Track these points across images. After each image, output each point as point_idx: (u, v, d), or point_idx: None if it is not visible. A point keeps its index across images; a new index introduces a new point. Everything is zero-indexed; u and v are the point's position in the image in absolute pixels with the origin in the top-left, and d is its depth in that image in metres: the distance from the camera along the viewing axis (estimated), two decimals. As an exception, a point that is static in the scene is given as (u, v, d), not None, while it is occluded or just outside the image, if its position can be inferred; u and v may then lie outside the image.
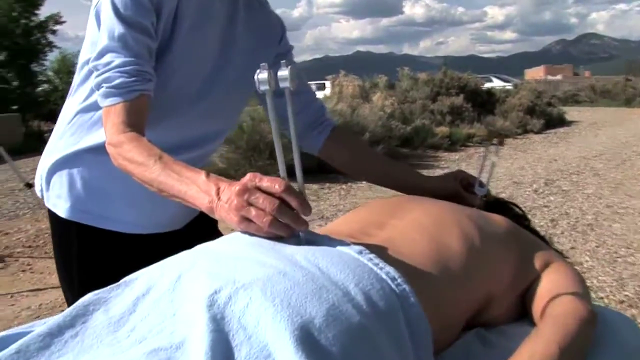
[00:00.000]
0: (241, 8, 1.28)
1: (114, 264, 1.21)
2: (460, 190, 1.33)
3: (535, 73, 58.25)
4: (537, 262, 1.04)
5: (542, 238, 1.29)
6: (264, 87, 0.80)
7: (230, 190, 0.82)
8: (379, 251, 0.84)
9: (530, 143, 11.22)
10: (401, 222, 0.99)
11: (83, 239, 1.27)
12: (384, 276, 0.75)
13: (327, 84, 11.54)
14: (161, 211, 1.29)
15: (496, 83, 23.70)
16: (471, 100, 13.26)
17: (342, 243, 0.82)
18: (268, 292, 0.66)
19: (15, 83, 26.21)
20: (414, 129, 9.90)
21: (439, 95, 13.06)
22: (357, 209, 1.15)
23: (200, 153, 1.35)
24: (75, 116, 1.25)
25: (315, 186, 6.58)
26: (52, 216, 1.30)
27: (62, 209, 1.26)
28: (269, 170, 6.80)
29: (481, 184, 1.32)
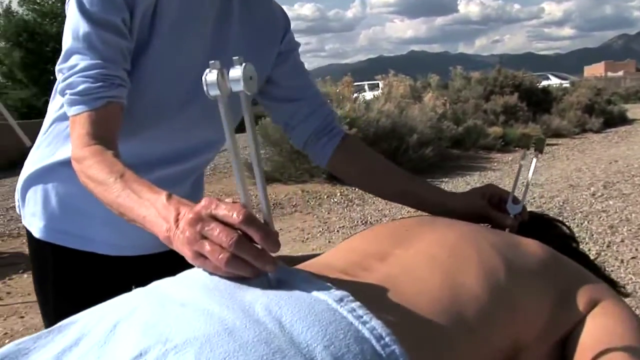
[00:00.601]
0: (236, 5, 1.14)
1: (92, 288, 1.12)
2: (488, 209, 1.13)
3: (595, 70, 56.41)
4: (582, 301, 0.86)
5: (593, 265, 1.10)
6: (213, 92, 0.64)
7: (185, 218, 0.68)
8: (372, 295, 0.69)
9: (589, 143, 10.77)
10: (407, 253, 0.83)
11: (58, 260, 1.17)
12: (366, 334, 0.60)
13: (381, 84, 11.40)
14: (142, 232, 1.17)
15: (553, 81, 23.03)
16: (526, 99, 12.87)
17: (321, 286, 0.66)
18: (203, 358, 0.52)
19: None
20: (466, 130, 9.65)
21: (493, 94, 12.71)
22: (364, 232, 0.99)
23: (190, 166, 1.24)
24: (51, 125, 1.15)
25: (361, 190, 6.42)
26: (28, 235, 1.20)
27: (36, 228, 1.16)
28: (315, 172, 6.69)
29: (515, 200, 1.13)
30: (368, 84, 18.21)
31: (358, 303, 0.64)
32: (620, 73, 43.29)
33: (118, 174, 0.83)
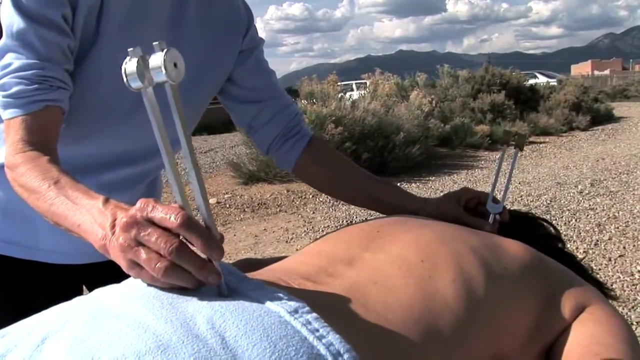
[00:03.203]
0: (192, 1, 1.05)
1: (39, 298, 1.04)
2: (464, 215, 1.06)
3: (582, 68, 56.73)
4: (567, 306, 0.79)
5: (580, 266, 1.03)
6: (135, 84, 0.56)
7: (119, 222, 0.59)
8: (334, 305, 0.61)
9: (576, 141, 10.77)
10: (377, 257, 0.75)
11: (4, 272, 1.08)
12: (322, 351, 0.52)
13: (368, 82, 11.37)
14: None
15: (541, 79, 23.11)
16: (513, 97, 12.85)
17: (274, 296, 0.58)
18: None
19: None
20: (453, 128, 9.61)
21: (480, 92, 12.67)
22: (333, 233, 0.91)
23: (146, 168, 1.15)
24: None
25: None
26: None
27: None
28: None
29: (495, 200, 1.06)
30: (356, 83, 18.21)
31: (314, 315, 0.56)
32: (607, 72, 43.57)
33: (52, 180, 0.75)
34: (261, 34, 1.23)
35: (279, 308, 0.56)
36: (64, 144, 0.97)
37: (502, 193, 1.09)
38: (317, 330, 0.54)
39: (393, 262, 0.73)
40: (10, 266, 1.07)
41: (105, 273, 1.05)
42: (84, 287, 1.20)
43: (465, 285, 0.71)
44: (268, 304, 0.57)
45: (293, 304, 0.57)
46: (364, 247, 0.78)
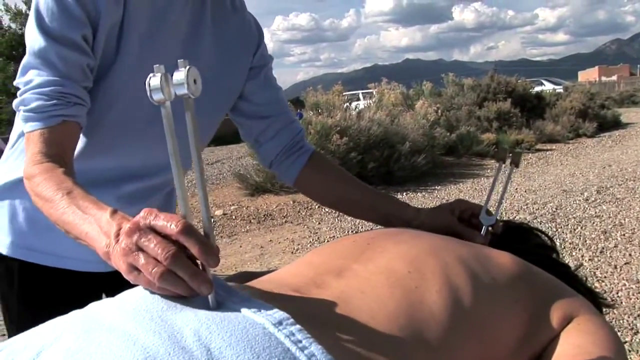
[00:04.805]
0: (208, 18, 1.11)
1: (60, 304, 1.06)
2: (457, 225, 1.09)
3: (589, 75, 56.56)
4: (556, 316, 0.80)
5: (574, 277, 1.04)
6: (157, 96, 0.61)
7: (123, 230, 0.64)
8: (319, 316, 0.63)
9: (583, 148, 10.74)
10: (365, 268, 0.77)
11: (25, 276, 1.13)
12: None
13: (374, 92, 11.43)
14: None
15: (548, 86, 23.07)
16: (520, 105, 12.85)
17: (260, 308, 0.61)
18: None
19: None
20: (459, 137, 9.61)
21: (486, 100, 12.68)
22: (325, 245, 0.93)
23: (160, 181, 1.20)
24: (18, 139, 1.12)
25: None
26: None
27: (2, 245, 1.12)
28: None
29: (488, 212, 1.09)
30: (362, 93, 18.26)
31: (298, 327, 0.58)
32: (614, 77, 43.44)
33: (65, 191, 0.80)
34: (268, 44, 1.28)
35: (264, 320, 0.58)
36: (85, 158, 1.03)
37: (495, 206, 1.11)
38: (300, 342, 0.56)
39: (381, 273, 0.75)
40: (33, 273, 1.12)
41: (126, 281, 1.09)
42: (104, 296, 1.23)
43: (452, 295, 0.73)
44: (253, 316, 0.59)
45: (278, 316, 0.59)
46: (354, 258, 0.80)
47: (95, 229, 0.71)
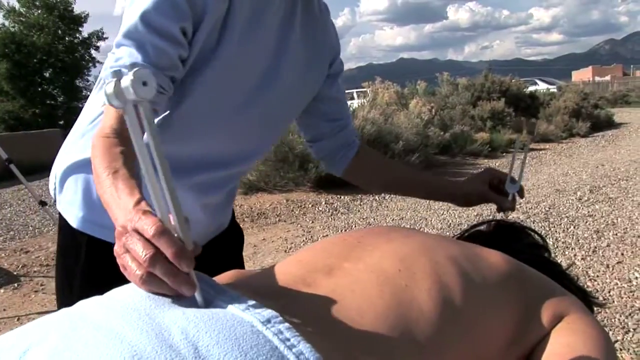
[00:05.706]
0: (298, 20, 1.16)
1: (122, 282, 1.07)
2: (488, 192, 1.27)
3: (582, 75, 56.74)
4: (546, 315, 0.80)
5: (565, 276, 1.04)
6: (115, 103, 0.57)
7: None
8: (308, 314, 0.63)
9: (576, 147, 10.76)
10: (356, 267, 0.76)
11: (92, 251, 1.13)
12: (291, 359, 0.54)
13: (369, 91, 11.43)
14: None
15: (542, 86, 23.13)
16: (513, 104, 12.88)
17: (249, 306, 0.60)
18: None
19: (60, 99, 27.08)
20: (452, 136, 9.62)
21: (480, 100, 12.71)
22: (317, 243, 0.93)
23: (237, 170, 1.27)
24: (99, 115, 1.12)
25: (346, 198, 6.38)
26: (62, 222, 1.18)
27: (73, 217, 1.14)
28: (300, 181, 6.64)
29: (513, 180, 1.24)
30: (357, 92, 18.27)
31: (286, 325, 0.58)
32: (608, 77, 43.61)
33: (112, 170, 0.80)
34: None
35: (252, 318, 0.58)
36: (166, 144, 1.02)
37: (518, 174, 1.24)
38: (288, 340, 0.55)
39: (371, 271, 0.75)
40: (100, 250, 1.11)
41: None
42: None
43: (442, 294, 0.73)
44: (241, 314, 0.59)
45: (266, 314, 0.58)
46: (344, 257, 0.80)
47: (120, 215, 0.71)
